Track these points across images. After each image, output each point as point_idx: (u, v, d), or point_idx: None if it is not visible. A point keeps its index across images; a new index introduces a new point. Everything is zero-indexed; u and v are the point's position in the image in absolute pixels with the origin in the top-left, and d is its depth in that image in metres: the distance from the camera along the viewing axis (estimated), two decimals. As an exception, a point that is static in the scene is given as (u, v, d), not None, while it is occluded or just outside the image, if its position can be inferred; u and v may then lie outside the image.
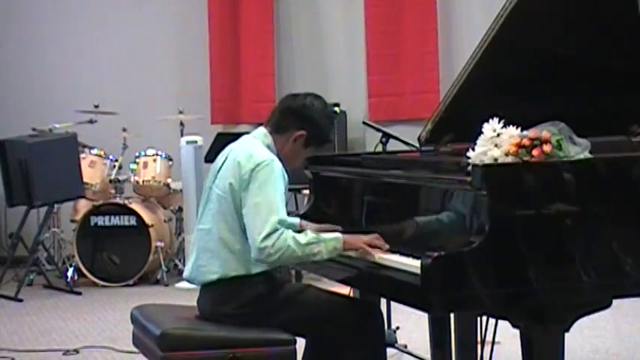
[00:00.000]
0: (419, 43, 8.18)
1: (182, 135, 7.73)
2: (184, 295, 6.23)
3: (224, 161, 3.50)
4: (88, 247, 7.46)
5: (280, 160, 3.44)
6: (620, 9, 3.50)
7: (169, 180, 7.74)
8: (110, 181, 7.73)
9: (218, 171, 3.50)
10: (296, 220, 3.64)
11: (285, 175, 3.43)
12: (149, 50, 8.73)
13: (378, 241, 3.32)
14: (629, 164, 3.08)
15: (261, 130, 3.56)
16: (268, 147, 3.49)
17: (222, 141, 3.89)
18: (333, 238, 3.34)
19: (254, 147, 3.47)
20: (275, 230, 3.26)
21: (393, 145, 4.69)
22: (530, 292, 2.81)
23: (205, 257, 3.47)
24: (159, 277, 7.47)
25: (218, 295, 3.44)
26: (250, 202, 3.33)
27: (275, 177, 3.36)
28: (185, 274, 3.61)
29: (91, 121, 7.75)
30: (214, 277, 3.42)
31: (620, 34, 3.56)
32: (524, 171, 2.87)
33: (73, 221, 7.74)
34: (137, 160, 7.70)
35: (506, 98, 3.47)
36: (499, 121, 2.95)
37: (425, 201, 3.34)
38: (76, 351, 5.36)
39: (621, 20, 3.52)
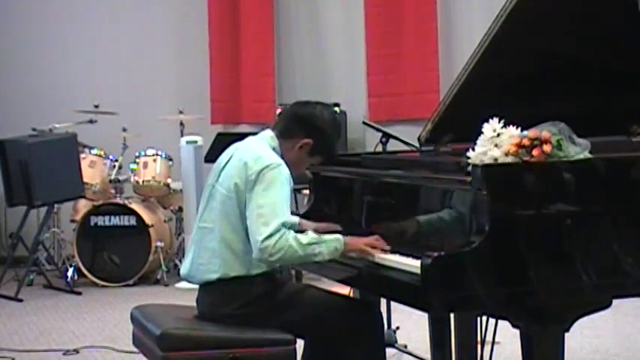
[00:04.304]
0: (419, 43, 8.18)
1: (182, 135, 7.73)
2: (184, 295, 6.22)
3: (229, 160, 3.48)
4: (88, 247, 7.46)
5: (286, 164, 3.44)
6: (620, 9, 3.50)
7: (169, 180, 7.73)
8: (110, 181, 7.72)
9: (222, 169, 3.49)
10: (296, 220, 3.63)
11: (292, 181, 3.42)
12: (149, 50, 8.73)
13: (379, 242, 3.31)
14: (629, 164, 3.08)
15: (268, 133, 3.55)
16: (274, 150, 3.48)
17: (222, 141, 3.90)
18: (334, 239, 3.34)
19: (262, 149, 3.46)
20: (277, 231, 3.25)
21: (393, 145, 4.69)
22: (530, 292, 2.81)
23: (206, 256, 3.46)
24: (159, 277, 7.47)
25: (218, 295, 3.43)
26: (254, 203, 3.32)
27: (282, 181, 3.34)
28: (183, 271, 3.59)
29: (91, 121, 7.74)
30: (214, 276, 3.42)
31: (620, 34, 3.56)
32: (524, 171, 2.87)
33: (73, 221, 7.73)
34: (137, 160, 7.70)
35: (506, 98, 3.47)
36: (499, 121, 2.95)
37: (425, 201, 3.34)
38: (76, 351, 5.36)
39: (621, 20, 3.52)
